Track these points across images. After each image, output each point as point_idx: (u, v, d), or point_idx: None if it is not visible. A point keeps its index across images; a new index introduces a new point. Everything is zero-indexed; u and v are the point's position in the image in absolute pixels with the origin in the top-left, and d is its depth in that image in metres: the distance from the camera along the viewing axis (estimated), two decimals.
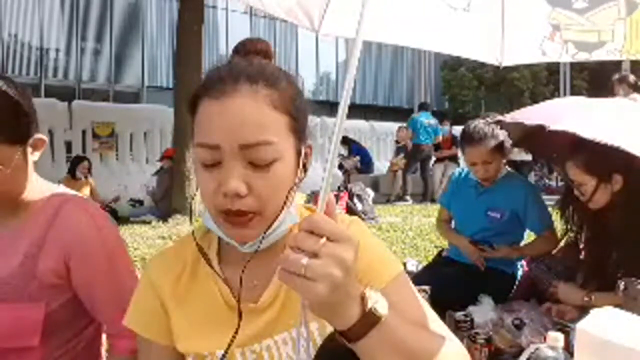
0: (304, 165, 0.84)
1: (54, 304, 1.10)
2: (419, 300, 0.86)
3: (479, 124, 2.60)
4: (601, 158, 1.91)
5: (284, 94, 0.80)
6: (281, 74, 0.83)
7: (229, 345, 0.82)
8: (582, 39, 1.53)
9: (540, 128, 1.88)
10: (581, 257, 2.32)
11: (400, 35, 1.84)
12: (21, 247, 1.08)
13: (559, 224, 2.59)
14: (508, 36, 1.72)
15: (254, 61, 0.83)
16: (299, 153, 0.83)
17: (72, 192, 1.21)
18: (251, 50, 0.83)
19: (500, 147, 2.59)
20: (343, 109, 0.68)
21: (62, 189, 1.20)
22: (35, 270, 1.07)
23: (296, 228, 0.87)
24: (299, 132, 0.83)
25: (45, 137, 1.12)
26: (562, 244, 2.38)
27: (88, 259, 1.09)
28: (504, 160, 2.67)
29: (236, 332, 0.82)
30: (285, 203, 0.80)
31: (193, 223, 0.89)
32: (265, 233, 0.79)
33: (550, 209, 2.61)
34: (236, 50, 0.83)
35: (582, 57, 1.54)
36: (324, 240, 0.61)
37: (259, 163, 0.77)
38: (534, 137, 2.38)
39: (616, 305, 1.40)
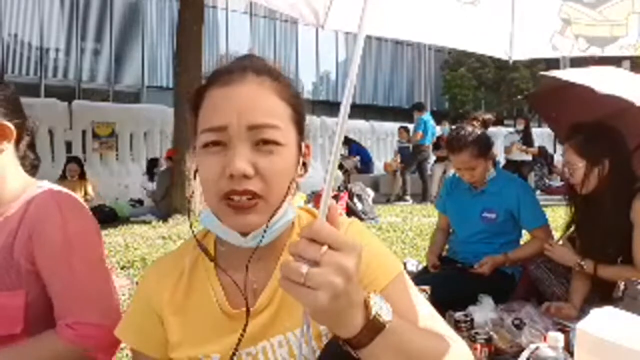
0: (304, 164, 0.86)
1: (33, 293, 1.12)
2: (421, 299, 0.86)
3: (461, 130, 2.62)
4: (594, 142, 2.07)
5: (287, 89, 0.84)
6: (284, 74, 0.87)
7: (235, 350, 0.83)
8: (594, 33, 1.47)
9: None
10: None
11: (407, 30, 1.80)
12: (0, 239, 1.11)
13: (559, 223, 2.59)
14: (518, 30, 1.68)
15: (257, 59, 0.88)
16: (299, 147, 0.85)
17: (56, 186, 1.22)
18: None
19: (483, 152, 2.60)
20: (343, 117, 0.66)
21: (45, 183, 1.21)
22: (12, 259, 1.10)
23: (295, 233, 0.87)
24: (300, 126, 0.86)
25: (11, 126, 1.13)
26: (560, 242, 2.38)
27: (45, 237, 1.11)
28: (491, 163, 2.70)
29: (242, 335, 0.82)
30: (287, 193, 0.81)
31: (192, 223, 0.88)
32: (269, 222, 0.79)
33: (550, 209, 2.61)
34: None
35: (594, 52, 1.49)
36: (325, 248, 0.59)
37: (266, 144, 0.79)
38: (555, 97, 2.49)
39: (613, 304, 1.40)
